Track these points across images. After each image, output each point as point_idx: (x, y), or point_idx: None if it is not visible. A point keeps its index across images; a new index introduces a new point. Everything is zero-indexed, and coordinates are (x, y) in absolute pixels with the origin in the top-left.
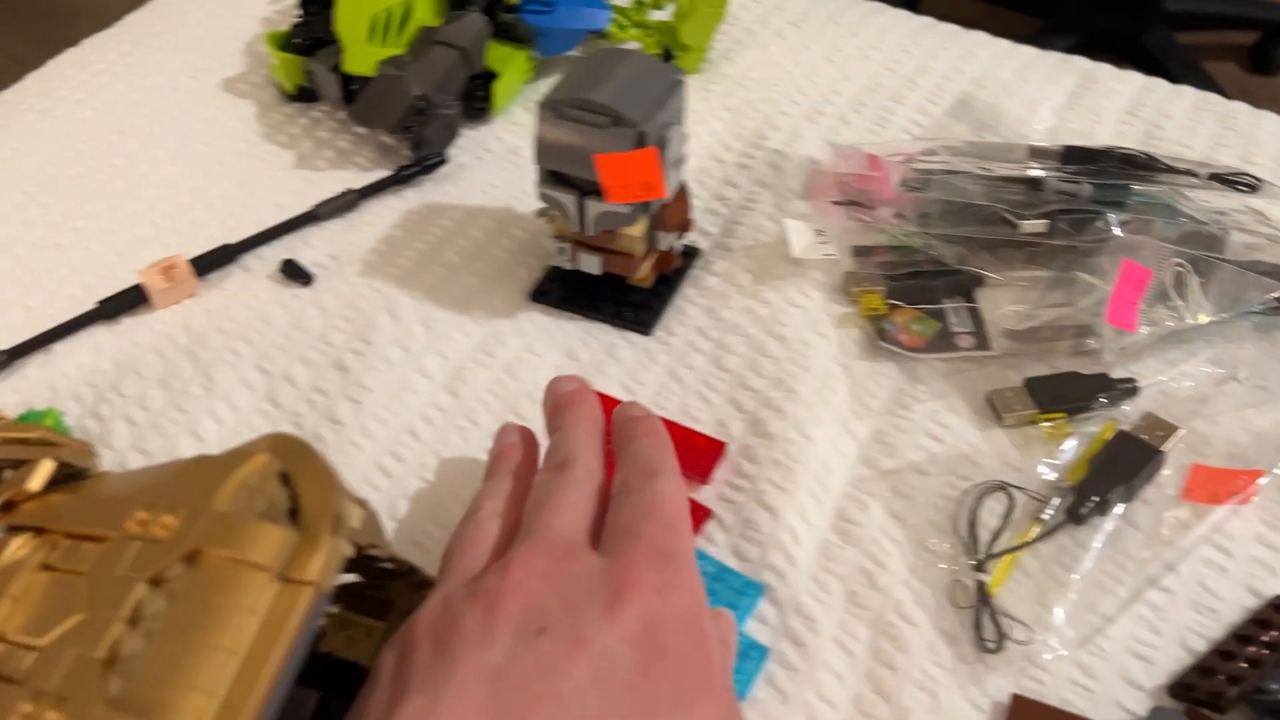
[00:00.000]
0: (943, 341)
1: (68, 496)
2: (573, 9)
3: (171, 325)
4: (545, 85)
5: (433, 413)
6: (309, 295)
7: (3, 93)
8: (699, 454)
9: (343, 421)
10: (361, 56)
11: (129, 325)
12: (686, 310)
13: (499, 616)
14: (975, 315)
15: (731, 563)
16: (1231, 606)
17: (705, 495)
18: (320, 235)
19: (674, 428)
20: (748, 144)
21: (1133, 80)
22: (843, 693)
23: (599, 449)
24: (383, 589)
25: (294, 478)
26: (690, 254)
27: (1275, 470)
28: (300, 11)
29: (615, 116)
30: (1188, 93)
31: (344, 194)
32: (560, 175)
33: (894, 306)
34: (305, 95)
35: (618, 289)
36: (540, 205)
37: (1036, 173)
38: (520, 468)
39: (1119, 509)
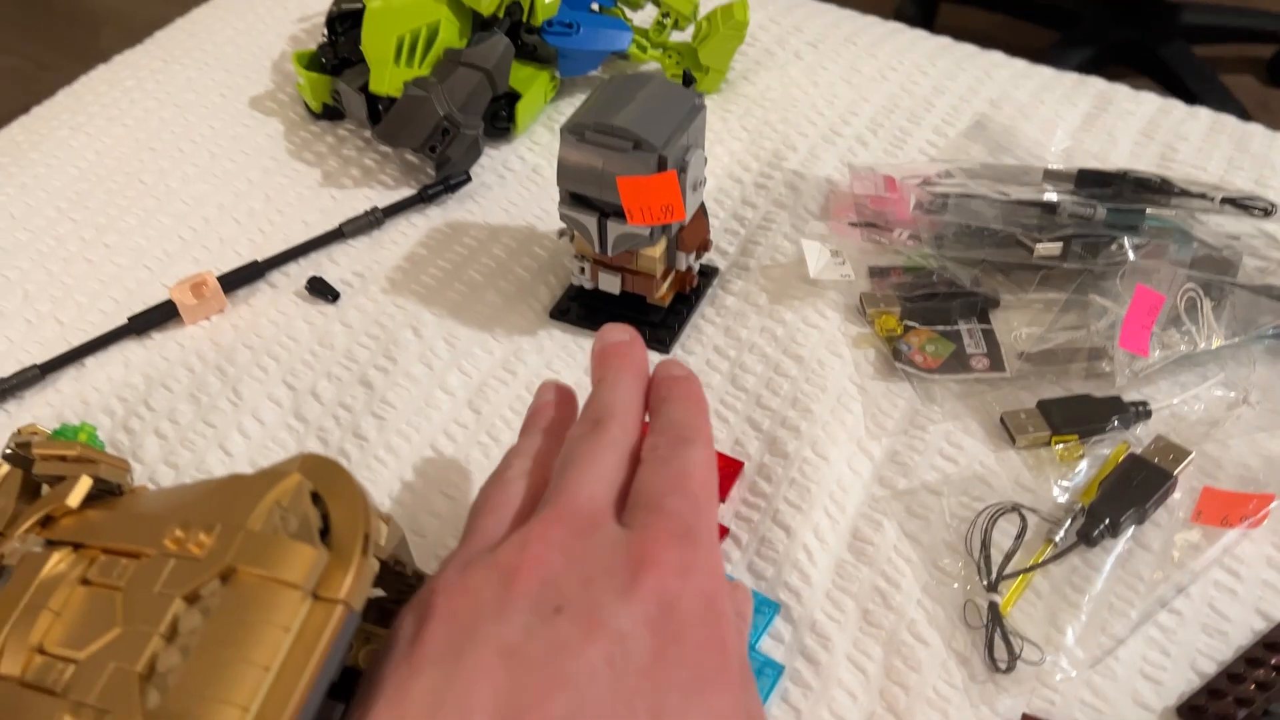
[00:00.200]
0: (957, 363)
1: (105, 512)
2: (595, 30)
3: (200, 341)
4: (567, 105)
5: (455, 429)
6: (334, 312)
7: (36, 109)
8: (716, 473)
9: (367, 437)
10: (388, 77)
11: (159, 340)
12: (704, 329)
13: (516, 591)
14: (990, 337)
15: (748, 581)
16: (1241, 629)
17: (722, 513)
18: (346, 253)
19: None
20: (766, 164)
21: (1148, 101)
22: (856, 711)
23: (638, 407)
24: (405, 602)
25: (325, 498)
26: (708, 273)
27: None
28: (327, 32)
29: (637, 141)
30: (1203, 114)
31: (369, 212)
32: (582, 197)
33: (909, 327)
34: (331, 113)
35: (637, 308)
36: (561, 226)
37: (1051, 196)
38: (553, 424)
39: (1130, 531)
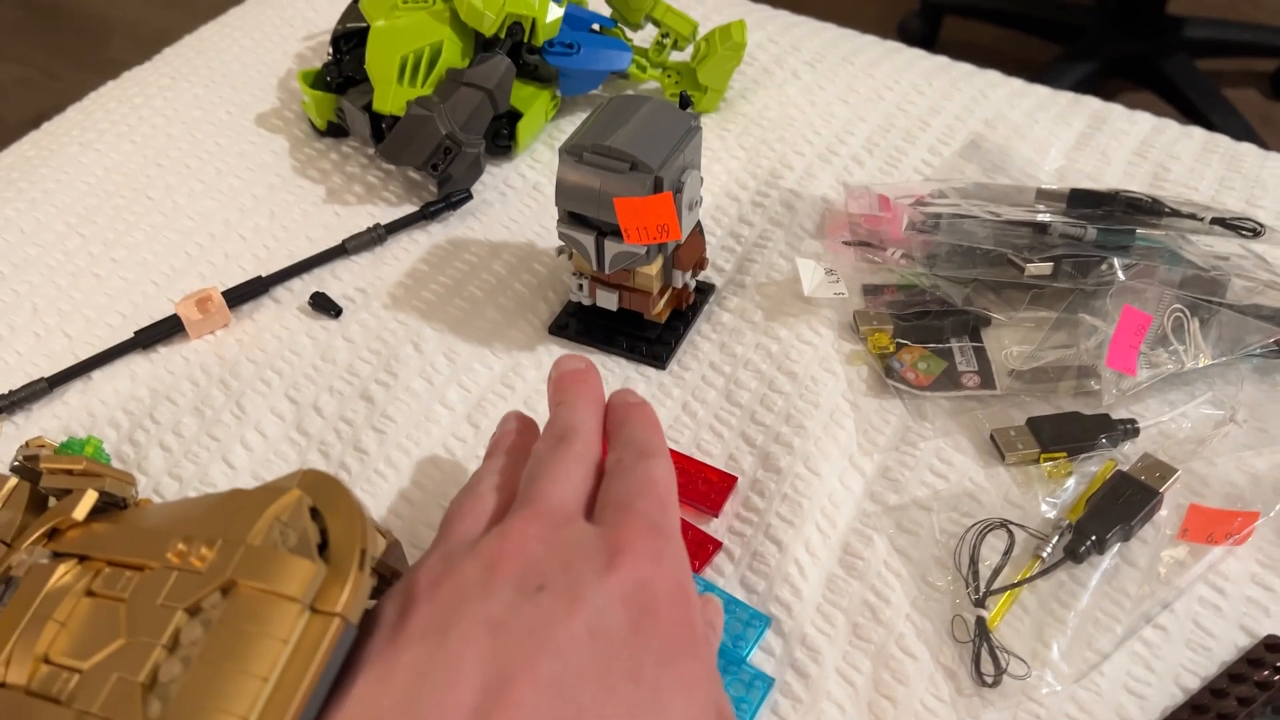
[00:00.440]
0: (948, 380)
1: (109, 525)
2: (595, 51)
3: (205, 355)
4: (568, 123)
5: (454, 443)
6: (337, 327)
7: (46, 124)
8: (710, 488)
9: (368, 451)
10: (391, 96)
11: (164, 354)
12: (700, 345)
13: (499, 574)
14: (981, 355)
15: (740, 594)
16: (1225, 645)
17: (715, 528)
18: (349, 268)
19: (685, 461)
20: (763, 183)
21: (1143, 121)
22: None
23: (598, 426)
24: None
25: (324, 513)
26: (705, 290)
27: (1272, 512)
28: (332, 51)
29: (633, 162)
30: (1197, 133)
31: (372, 229)
32: (580, 216)
33: (902, 345)
34: (335, 131)
35: (634, 324)
36: (560, 243)
37: (1043, 217)
38: (517, 447)
39: (1116, 548)
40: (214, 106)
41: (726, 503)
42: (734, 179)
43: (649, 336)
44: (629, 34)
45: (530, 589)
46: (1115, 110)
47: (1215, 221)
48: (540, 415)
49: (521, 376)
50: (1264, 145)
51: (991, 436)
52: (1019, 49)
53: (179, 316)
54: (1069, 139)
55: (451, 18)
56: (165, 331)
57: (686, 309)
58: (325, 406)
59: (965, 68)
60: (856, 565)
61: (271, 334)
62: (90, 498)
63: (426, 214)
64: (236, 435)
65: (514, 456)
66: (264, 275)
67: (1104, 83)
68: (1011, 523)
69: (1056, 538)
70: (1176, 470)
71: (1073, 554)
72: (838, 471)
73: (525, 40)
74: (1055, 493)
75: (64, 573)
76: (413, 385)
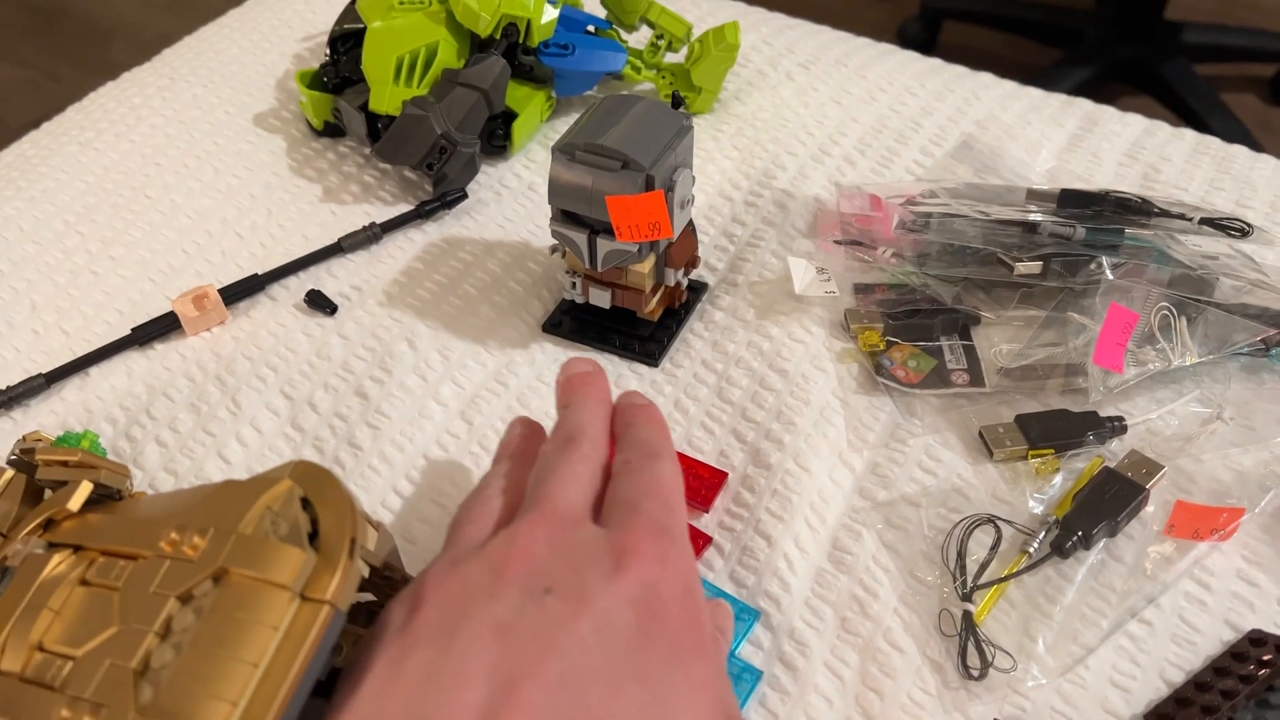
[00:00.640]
0: (938, 377)
1: (104, 516)
2: (590, 52)
3: (201, 351)
4: (563, 123)
5: (447, 439)
6: (332, 324)
7: (46, 124)
8: (701, 483)
9: (362, 446)
10: (388, 96)
11: (161, 351)
12: (692, 343)
13: (506, 577)
14: (970, 353)
15: (729, 588)
16: (1209, 640)
17: (705, 523)
18: (344, 267)
19: (677, 457)
20: (756, 183)
21: (1134, 123)
22: (832, 716)
23: (606, 428)
24: None
25: (315, 503)
26: (697, 289)
27: (1257, 508)
28: (329, 51)
29: (625, 160)
30: (1188, 135)
31: (368, 227)
32: (572, 214)
33: (892, 343)
34: (332, 131)
35: (627, 322)
36: (554, 243)
37: (1033, 216)
38: (524, 452)
39: (1102, 543)
40: (212, 106)
41: (717, 498)
42: (727, 179)
43: (642, 334)
44: (623, 35)
45: (538, 591)
46: (1107, 112)
47: (1204, 222)
48: (533, 412)
49: (515, 374)
50: (1260, 149)
51: (980, 433)
52: (1017, 53)
53: (176, 313)
54: (1060, 140)
55: (447, 19)
56: (162, 328)
57: (679, 307)
58: (320, 402)
59: (958, 70)
60: (845, 560)
61: (267, 331)
62: (85, 489)
63: (422, 213)
64: (232, 431)
65: (521, 460)
66: (260, 273)
67: (1103, 87)
68: (999, 518)
69: (1043, 533)
70: (1163, 467)
71: (1059, 549)
72: (827, 468)
73: (520, 41)
74: (1042, 489)
75: (59, 562)
76: (407, 382)
